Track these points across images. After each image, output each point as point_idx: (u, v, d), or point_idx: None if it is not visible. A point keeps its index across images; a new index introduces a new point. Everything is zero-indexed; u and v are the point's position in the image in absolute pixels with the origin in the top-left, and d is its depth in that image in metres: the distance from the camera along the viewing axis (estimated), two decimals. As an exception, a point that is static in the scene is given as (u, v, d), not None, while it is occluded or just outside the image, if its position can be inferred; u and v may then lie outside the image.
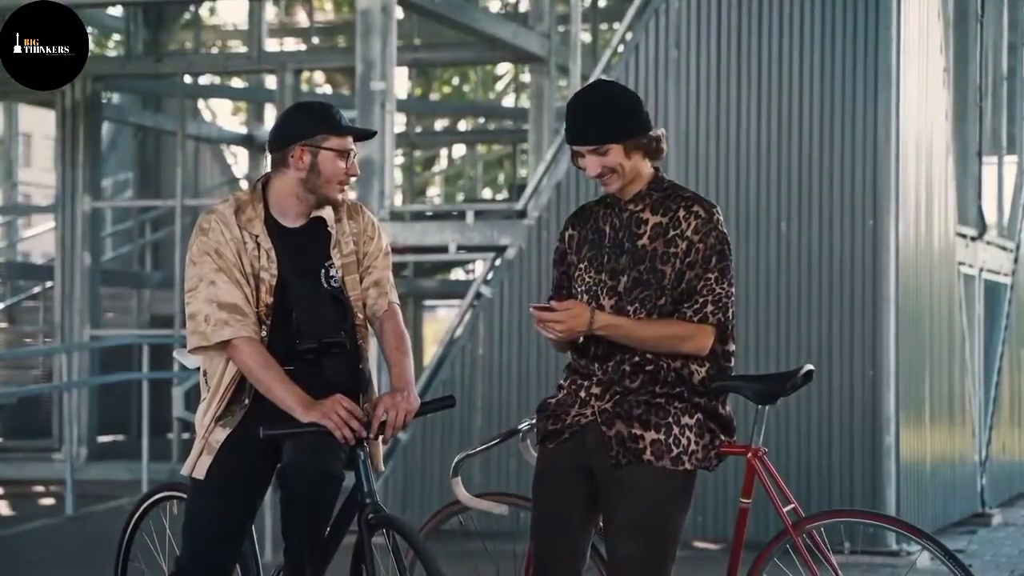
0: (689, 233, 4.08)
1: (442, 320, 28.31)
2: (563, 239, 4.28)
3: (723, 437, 4.15)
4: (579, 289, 4.18)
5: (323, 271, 4.36)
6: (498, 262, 9.27)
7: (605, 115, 4.07)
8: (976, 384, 10.46)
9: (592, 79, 9.16)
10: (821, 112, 8.65)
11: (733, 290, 4.12)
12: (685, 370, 4.09)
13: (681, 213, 4.10)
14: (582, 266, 4.19)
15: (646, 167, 4.15)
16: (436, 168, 24.41)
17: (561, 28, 13.78)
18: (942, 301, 9.56)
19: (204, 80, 16.95)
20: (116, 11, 16.02)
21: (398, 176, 20.19)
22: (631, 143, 4.08)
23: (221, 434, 4.28)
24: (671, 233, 4.09)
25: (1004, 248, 11.51)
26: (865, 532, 7.53)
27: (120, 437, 14.44)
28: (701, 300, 4.07)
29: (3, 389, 13.67)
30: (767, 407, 4.20)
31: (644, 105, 4.16)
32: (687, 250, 4.07)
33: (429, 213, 11.03)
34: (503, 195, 23.50)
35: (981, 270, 10.69)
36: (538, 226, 9.14)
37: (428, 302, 21.63)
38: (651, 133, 4.11)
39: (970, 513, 10.07)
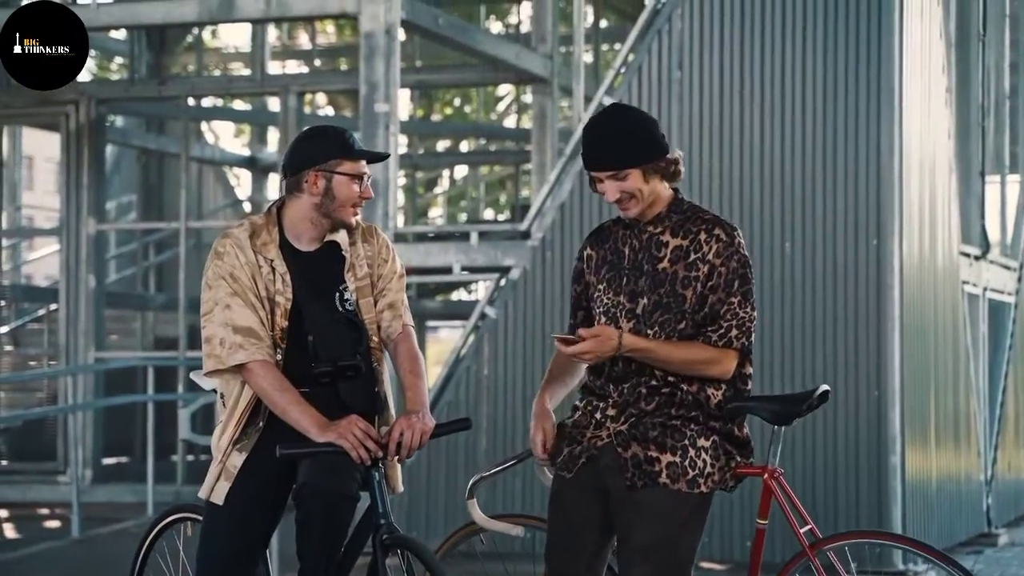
0: (711, 257, 4.06)
1: (444, 341, 28.33)
2: (581, 258, 4.28)
3: (740, 458, 4.14)
4: (598, 310, 4.18)
5: (338, 294, 4.39)
6: (502, 283, 9.30)
7: (623, 140, 4.05)
8: (981, 403, 10.47)
9: (595, 100, 9.23)
10: (824, 132, 8.69)
11: (755, 314, 4.11)
12: (702, 394, 4.09)
13: (702, 236, 4.08)
14: (601, 287, 4.18)
15: (665, 189, 4.15)
16: (438, 189, 24.44)
17: (563, 49, 13.83)
18: (946, 320, 9.58)
19: (207, 103, 16.99)
20: (119, 34, 16.08)
21: (400, 197, 20.22)
22: (650, 167, 4.07)
23: (238, 459, 4.29)
24: (692, 256, 4.08)
25: (1007, 267, 11.53)
26: (871, 551, 7.52)
27: (124, 459, 14.45)
28: (725, 324, 4.06)
29: (8, 412, 13.67)
30: (783, 428, 4.21)
31: (660, 127, 4.15)
32: (709, 274, 4.06)
33: (431, 235, 11.04)
34: (504, 216, 23.54)
35: (985, 289, 10.71)
36: (542, 247, 9.17)
37: (430, 323, 21.65)
38: (669, 156, 4.10)
39: (976, 533, 10.07)
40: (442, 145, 22.77)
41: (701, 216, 4.14)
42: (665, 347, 4.04)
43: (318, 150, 4.32)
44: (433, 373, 9.72)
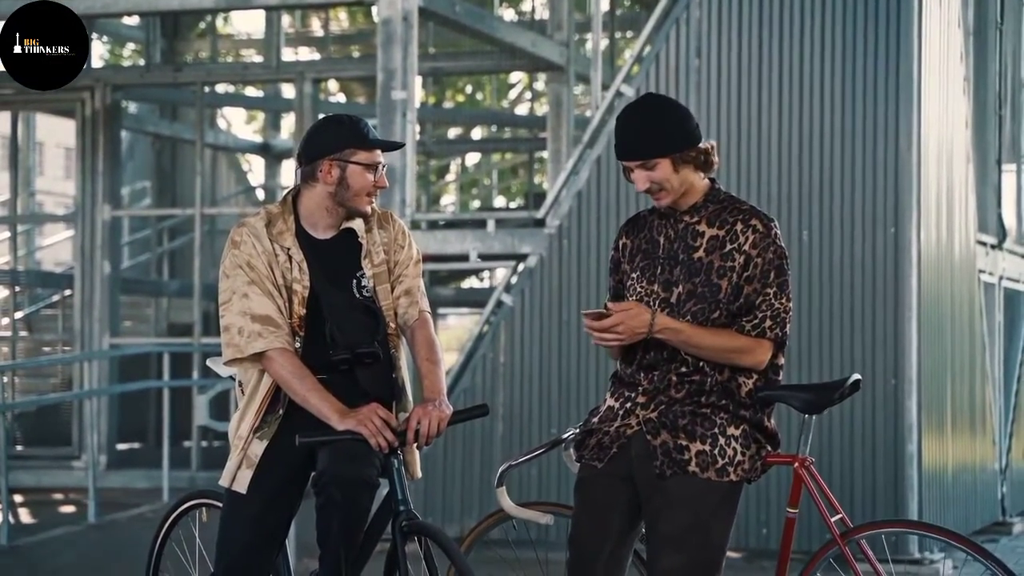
0: (747, 247, 4.05)
1: (452, 328, 28.30)
2: (617, 247, 4.27)
3: (769, 448, 4.14)
4: (631, 299, 4.16)
5: (355, 281, 4.39)
6: (519, 271, 9.29)
7: (651, 130, 4.04)
8: (996, 392, 10.45)
9: (613, 88, 9.21)
10: (843, 120, 8.66)
11: (791, 305, 4.10)
12: (732, 383, 4.08)
13: (738, 227, 4.07)
14: (634, 276, 4.17)
15: (698, 179, 4.12)
16: (450, 177, 24.43)
17: (576, 36, 13.79)
18: (963, 309, 9.56)
19: (220, 89, 17.00)
20: (132, 20, 16.08)
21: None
22: (679, 157, 4.05)
23: (259, 447, 4.30)
24: (728, 247, 4.06)
25: (1023, 256, 11.50)
26: (887, 539, 7.52)
27: (138, 445, 14.48)
28: (760, 315, 4.05)
29: (23, 397, 13.70)
30: (813, 417, 4.20)
31: (693, 118, 4.12)
32: (745, 264, 4.05)
33: (446, 222, 11.05)
34: (516, 203, 23.51)
35: (1001, 278, 10.68)
36: (559, 235, 9.16)
37: (441, 310, 21.66)
38: (700, 146, 4.08)
39: (991, 521, 10.06)
40: (453, 132, 22.75)
41: (738, 206, 4.13)
42: (698, 331, 4.03)
43: (332, 139, 4.33)
44: (445, 360, 9.75)
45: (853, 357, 8.53)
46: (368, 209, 4.36)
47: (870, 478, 8.50)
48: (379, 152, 4.36)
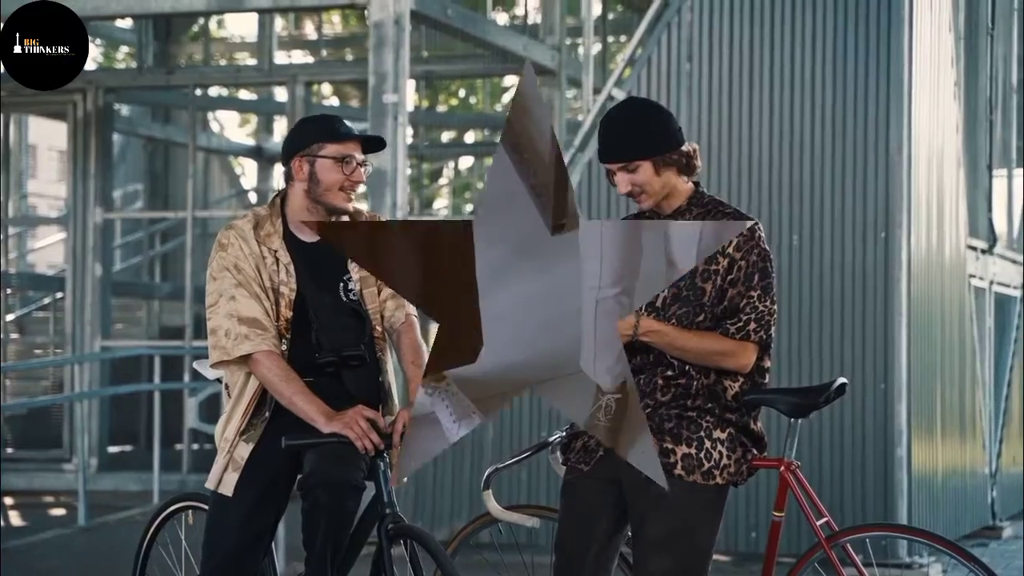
0: (730, 250, 4.03)
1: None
2: None
3: (755, 451, 4.13)
4: None
5: (342, 284, 4.39)
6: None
7: (633, 132, 4.04)
8: (987, 397, 10.46)
9: (604, 92, 9.21)
10: (833, 125, 8.67)
11: (775, 307, 4.09)
12: (718, 386, 4.08)
13: None
14: None
15: (681, 183, 4.12)
16: (443, 180, 24.42)
17: (568, 41, 13.80)
18: (953, 314, 9.56)
19: (213, 92, 17.01)
20: (125, 23, 16.07)
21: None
22: (660, 160, 4.05)
23: (245, 449, 4.30)
24: None
25: (1014, 261, 11.51)
26: (876, 543, 7.52)
27: (129, 448, 14.47)
28: (744, 318, 4.04)
29: (14, 400, 13.69)
30: (799, 420, 4.20)
31: (675, 121, 4.12)
32: (728, 267, 4.04)
33: (439, 225, 11.02)
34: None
35: (991, 283, 10.69)
36: (550, 238, 9.14)
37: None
38: (683, 149, 4.07)
39: (980, 526, 10.07)
40: (446, 136, 22.75)
41: (721, 210, 4.12)
42: (682, 334, 4.02)
43: (303, 136, 4.36)
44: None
45: (843, 361, 8.53)
46: (346, 206, 4.33)
47: (860, 482, 8.50)
48: (352, 147, 4.32)
